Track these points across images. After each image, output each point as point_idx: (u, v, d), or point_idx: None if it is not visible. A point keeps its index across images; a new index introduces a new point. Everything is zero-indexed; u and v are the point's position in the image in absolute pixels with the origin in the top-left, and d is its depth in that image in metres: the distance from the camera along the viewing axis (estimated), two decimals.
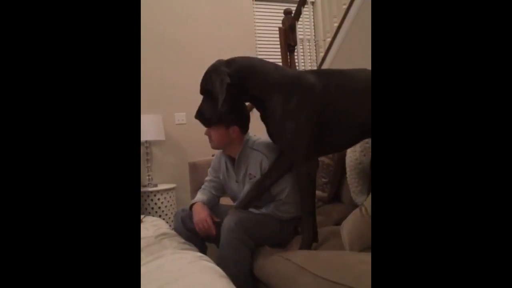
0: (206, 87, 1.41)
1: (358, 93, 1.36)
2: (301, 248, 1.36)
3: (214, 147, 1.62)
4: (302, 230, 1.42)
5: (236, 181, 1.62)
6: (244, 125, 1.58)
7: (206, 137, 1.60)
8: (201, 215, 1.54)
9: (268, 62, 1.46)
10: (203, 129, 1.55)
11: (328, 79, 1.39)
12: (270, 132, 1.46)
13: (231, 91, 1.33)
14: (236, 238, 1.37)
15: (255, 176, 1.54)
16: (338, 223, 1.55)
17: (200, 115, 1.44)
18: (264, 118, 1.45)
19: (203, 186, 1.76)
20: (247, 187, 1.57)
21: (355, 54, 2.52)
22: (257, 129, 1.74)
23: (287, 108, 1.35)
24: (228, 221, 1.41)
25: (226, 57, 1.43)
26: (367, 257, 1.04)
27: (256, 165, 1.53)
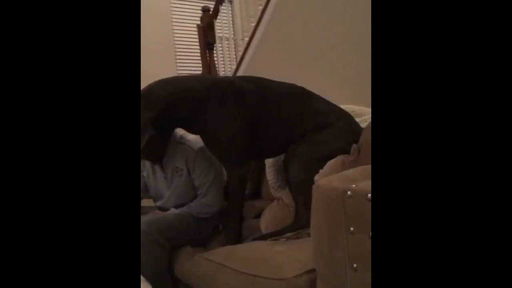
0: None
1: (287, 105, 1.41)
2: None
3: None
4: (227, 232, 1.43)
5: (165, 178, 1.59)
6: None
7: None
8: None
9: (190, 77, 1.44)
10: None
11: (259, 86, 1.42)
12: (204, 141, 1.45)
13: (159, 132, 1.30)
14: (150, 240, 1.34)
15: (182, 169, 1.52)
16: (257, 217, 1.62)
17: (145, 156, 1.42)
18: (195, 131, 1.44)
19: None
20: (175, 181, 1.54)
21: (271, 55, 2.61)
22: None
23: (220, 115, 1.35)
24: (140, 223, 1.37)
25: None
26: (282, 248, 1.09)
27: (182, 159, 1.52)
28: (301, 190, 1.27)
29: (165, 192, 1.60)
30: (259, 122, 1.38)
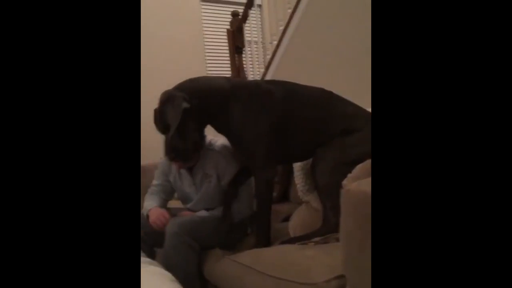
0: (166, 122, 1.33)
1: (315, 108, 1.40)
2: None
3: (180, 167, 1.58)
4: (256, 235, 1.43)
5: (193, 184, 1.61)
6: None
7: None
8: (157, 212, 1.53)
9: (219, 76, 1.47)
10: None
11: (286, 90, 1.42)
12: (230, 141, 1.47)
13: (193, 117, 1.31)
14: (181, 242, 1.36)
15: (211, 176, 1.54)
16: (285, 220, 1.62)
17: (176, 153, 1.37)
18: (222, 130, 1.44)
19: (150, 191, 1.72)
20: (204, 187, 1.57)
21: (300, 58, 2.60)
22: None
23: (246, 116, 1.36)
24: (171, 225, 1.40)
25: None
26: (311, 252, 1.09)
27: (212, 165, 1.54)
28: (329, 194, 1.26)
29: (193, 196, 1.63)
30: (285, 125, 1.38)
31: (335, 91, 1.49)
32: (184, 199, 1.70)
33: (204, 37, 3.93)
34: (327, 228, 1.25)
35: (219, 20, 3.99)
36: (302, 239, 1.28)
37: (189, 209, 1.66)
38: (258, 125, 1.35)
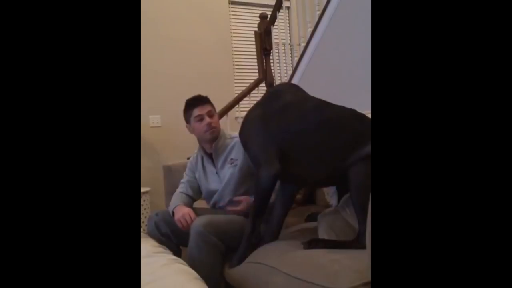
0: None
1: (340, 138, 1.29)
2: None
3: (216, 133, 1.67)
4: (246, 233, 1.37)
5: (216, 172, 1.66)
6: None
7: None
8: (182, 211, 1.56)
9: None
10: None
11: (317, 109, 1.34)
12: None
13: None
14: (205, 241, 1.36)
15: (236, 160, 1.62)
16: (309, 220, 1.62)
17: None
18: None
19: (178, 189, 1.76)
20: (229, 172, 1.62)
21: (329, 60, 2.57)
22: None
23: (256, 112, 1.40)
24: (196, 224, 1.40)
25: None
26: (338, 256, 1.07)
27: (238, 150, 1.61)
28: (366, 213, 1.20)
29: (217, 187, 1.67)
30: (295, 144, 1.32)
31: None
32: (209, 196, 1.72)
33: (232, 39, 3.96)
34: (358, 245, 1.19)
35: (247, 22, 4.01)
36: (335, 243, 1.23)
37: (214, 207, 1.70)
38: (256, 127, 1.37)
